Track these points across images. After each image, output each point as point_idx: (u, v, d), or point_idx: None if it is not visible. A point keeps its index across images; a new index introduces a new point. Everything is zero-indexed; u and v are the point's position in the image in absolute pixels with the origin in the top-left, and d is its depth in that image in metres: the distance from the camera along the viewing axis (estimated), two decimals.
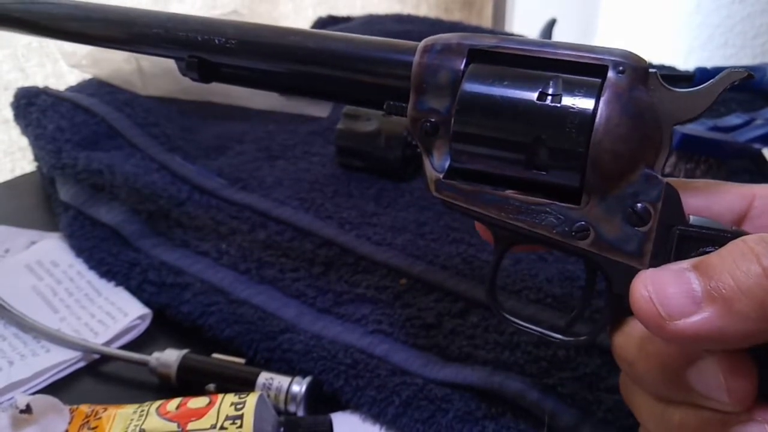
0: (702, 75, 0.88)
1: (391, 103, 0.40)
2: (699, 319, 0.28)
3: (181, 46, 0.44)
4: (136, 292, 0.57)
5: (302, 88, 0.43)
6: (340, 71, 0.41)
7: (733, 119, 0.73)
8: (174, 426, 0.42)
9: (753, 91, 0.86)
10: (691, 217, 0.33)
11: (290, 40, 0.41)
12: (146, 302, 0.57)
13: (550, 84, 0.34)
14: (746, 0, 1.56)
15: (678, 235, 0.33)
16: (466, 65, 0.36)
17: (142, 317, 0.56)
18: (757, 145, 0.69)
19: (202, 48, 0.43)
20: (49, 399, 0.44)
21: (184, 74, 0.45)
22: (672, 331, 0.28)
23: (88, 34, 0.47)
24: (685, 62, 1.44)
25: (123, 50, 0.48)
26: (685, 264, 0.30)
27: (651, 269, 0.31)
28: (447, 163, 0.37)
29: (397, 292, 0.55)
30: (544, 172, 0.35)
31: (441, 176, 0.37)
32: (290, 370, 0.49)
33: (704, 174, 0.67)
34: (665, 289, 0.29)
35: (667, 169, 0.67)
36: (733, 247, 0.29)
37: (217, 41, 0.43)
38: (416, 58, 0.38)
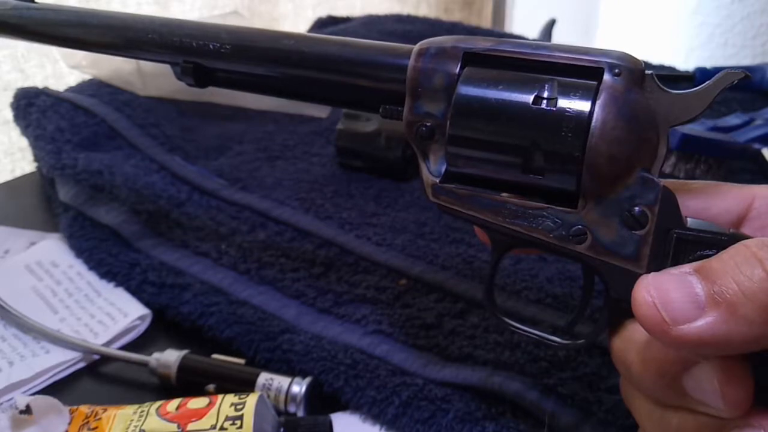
0: (702, 75, 0.88)
1: (387, 107, 0.39)
2: (703, 323, 0.28)
3: (175, 51, 0.44)
4: (136, 292, 0.57)
5: (298, 92, 0.43)
6: (335, 75, 0.40)
7: (733, 119, 0.74)
8: (174, 426, 0.42)
9: (753, 91, 0.86)
10: (689, 219, 0.33)
11: (285, 44, 0.41)
12: (146, 303, 0.57)
13: (546, 87, 0.34)
14: (746, 0, 1.56)
15: (675, 239, 0.33)
16: (461, 69, 0.36)
17: (141, 318, 0.56)
18: (756, 145, 0.69)
19: (196, 53, 0.43)
20: (49, 400, 0.44)
21: (179, 79, 0.45)
22: (676, 337, 0.28)
23: (83, 40, 0.47)
24: (685, 62, 1.43)
25: (119, 56, 0.48)
26: (686, 268, 0.30)
27: (652, 274, 0.31)
28: (443, 168, 0.37)
29: (397, 293, 0.55)
30: (540, 176, 0.34)
31: (437, 180, 0.37)
32: (290, 370, 0.50)
33: (704, 174, 0.67)
34: (668, 294, 0.29)
35: (667, 169, 0.67)
36: (735, 251, 0.29)
37: (211, 46, 0.42)
38: (411, 62, 0.38)
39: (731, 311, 0.27)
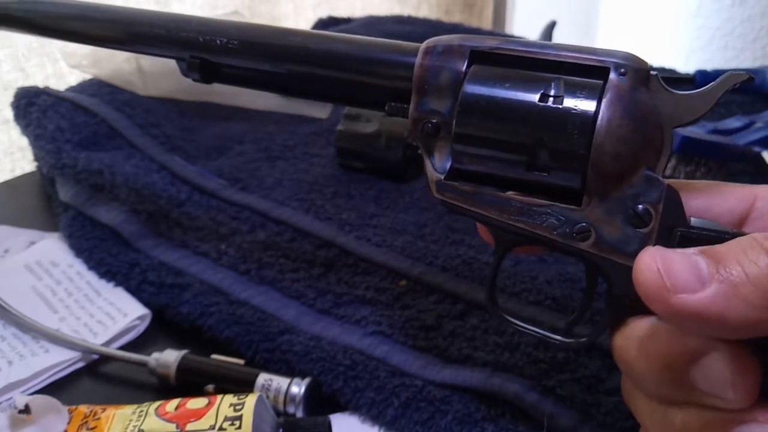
0: (702, 77, 0.88)
1: (393, 104, 0.40)
2: (703, 296, 0.28)
3: (182, 46, 0.44)
4: (136, 292, 0.57)
5: (303, 89, 0.44)
6: (342, 73, 0.41)
7: (734, 122, 0.74)
8: (173, 426, 0.42)
9: (753, 93, 0.86)
10: (692, 218, 0.34)
11: (292, 40, 0.42)
12: (146, 303, 0.57)
13: (552, 85, 0.34)
14: (746, 3, 1.56)
15: (679, 237, 0.33)
16: (468, 67, 0.36)
17: (141, 318, 0.56)
18: (757, 148, 0.69)
19: (203, 48, 0.43)
20: (48, 399, 0.44)
21: (185, 75, 0.45)
22: (675, 305, 0.28)
23: (90, 34, 0.48)
24: (686, 65, 1.44)
25: (125, 50, 0.48)
26: (692, 250, 0.30)
27: (658, 246, 0.31)
28: (448, 165, 0.37)
29: (396, 294, 0.55)
30: (545, 174, 0.35)
31: (442, 177, 0.37)
32: (289, 371, 0.49)
33: (704, 176, 0.67)
34: (672, 264, 0.29)
35: (667, 172, 0.67)
36: (742, 239, 0.29)
37: (218, 42, 0.43)
38: (418, 60, 0.38)
39: (733, 290, 0.28)
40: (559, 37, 1.14)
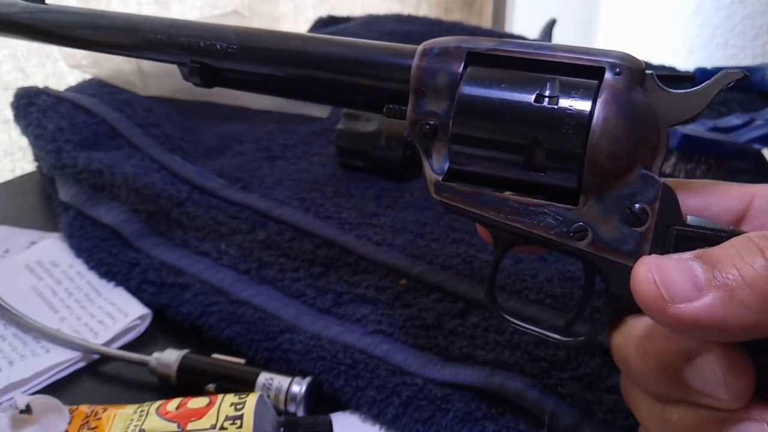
0: (702, 75, 0.88)
1: (391, 106, 0.40)
2: (700, 304, 0.28)
3: (183, 51, 0.44)
4: (136, 292, 0.57)
5: (303, 92, 0.44)
6: (340, 75, 0.41)
7: (733, 119, 0.74)
8: (174, 426, 0.42)
9: (753, 91, 0.86)
10: (689, 217, 0.34)
11: (291, 44, 0.42)
12: (146, 302, 0.57)
13: (548, 86, 0.34)
14: (746, 0, 1.56)
15: (675, 235, 0.33)
16: (464, 68, 0.37)
17: (142, 317, 0.56)
18: (757, 146, 0.69)
19: (204, 53, 0.44)
20: (49, 399, 0.44)
21: (187, 79, 0.45)
22: (672, 315, 0.28)
23: (93, 40, 0.48)
24: (686, 62, 1.44)
25: (128, 56, 0.48)
26: (687, 254, 0.30)
27: (654, 255, 0.31)
28: (446, 166, 0.38)
29: (397, 293, 0.55)
30: (542, 174, 0.35)
31: (440, 178, 0.38)
32: (290, 370, 0.49)
33: (704, 174, 0.67)
34: (668, 273, 0.29)
35: (668, 170, 0.67)
36: (737, 241, 0.29)
37: (218, 46, 0.43)
38: (415, 62, 0.38)
39: (730, 295, 0.28)
40: (559, 36, 1.14)
